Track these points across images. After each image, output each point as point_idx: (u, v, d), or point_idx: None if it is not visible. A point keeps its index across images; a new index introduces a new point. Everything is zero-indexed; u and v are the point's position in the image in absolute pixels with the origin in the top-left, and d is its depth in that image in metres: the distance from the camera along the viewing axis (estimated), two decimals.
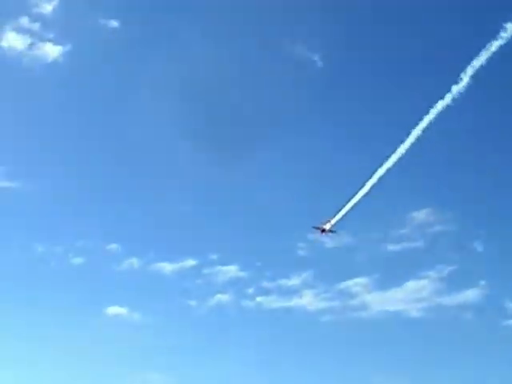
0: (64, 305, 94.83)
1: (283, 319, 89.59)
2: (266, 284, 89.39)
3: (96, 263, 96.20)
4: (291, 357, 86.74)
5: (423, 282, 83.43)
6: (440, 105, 50.92)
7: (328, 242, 77.22)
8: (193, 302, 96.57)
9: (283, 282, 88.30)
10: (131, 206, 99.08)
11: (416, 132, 52.70)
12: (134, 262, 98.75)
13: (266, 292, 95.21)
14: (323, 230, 55.56)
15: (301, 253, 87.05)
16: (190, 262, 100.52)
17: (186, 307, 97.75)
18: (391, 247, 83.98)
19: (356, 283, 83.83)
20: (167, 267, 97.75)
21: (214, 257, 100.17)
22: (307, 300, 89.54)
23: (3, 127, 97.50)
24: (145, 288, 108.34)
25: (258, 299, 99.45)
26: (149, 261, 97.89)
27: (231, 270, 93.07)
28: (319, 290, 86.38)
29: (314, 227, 56.72)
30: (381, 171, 53.09)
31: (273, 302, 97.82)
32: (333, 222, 54.67)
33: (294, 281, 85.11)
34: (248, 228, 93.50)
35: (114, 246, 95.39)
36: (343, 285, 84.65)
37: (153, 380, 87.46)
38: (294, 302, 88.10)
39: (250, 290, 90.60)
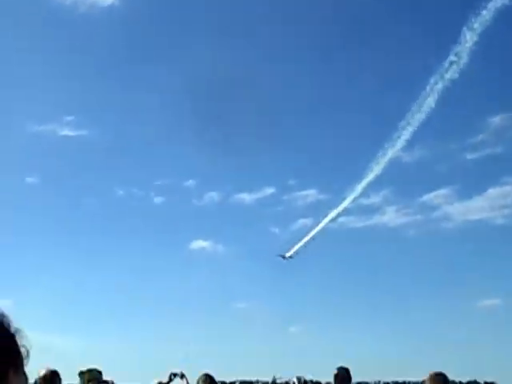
0: (149, 245, 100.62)
1: (366, 238, 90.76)
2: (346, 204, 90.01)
3: (177, 200, 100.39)
4: (377, 275, 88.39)
5: (506, 188, 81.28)
6: None
7: (405, 156, 76.58)
8: (276, 229, 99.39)
9: (363, 200, 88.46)
10: (205, 140, 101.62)
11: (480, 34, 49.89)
12: (214, 195, 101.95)
13: (347, 212, 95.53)
14: (284, 257, 62.90)
15: (378, 170, 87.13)
16: (269, 190, 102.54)
17: (270, 235, 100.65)
18: (469, 156, 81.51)
19: (437, 195, 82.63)
20: (247, 197, 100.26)
21: (292, 182, 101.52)
22: (389, 217, 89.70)
23: (67, 78, 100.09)
24: (227, 220, 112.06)
25: (340, 220, 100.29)
26: (228, 193, 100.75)
27: (310, 194, 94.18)
28: (400, 206, 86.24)
29: (278, 255, 63.81)
30: (449, 77, 51.48)
31: (354, 222, 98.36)
32: (292, 251, 61.24)
33: (373, 199, 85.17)
34: (323, 151, 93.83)
35: (192, 182, 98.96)
36: (424, 198, 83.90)
37: (241, 309, 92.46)
38: (376, 219, 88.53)
39: (332, 212, 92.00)
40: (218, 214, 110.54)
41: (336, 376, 6.39)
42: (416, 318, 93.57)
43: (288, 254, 60.61)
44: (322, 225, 60.17)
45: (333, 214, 60.72)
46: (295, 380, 6.87)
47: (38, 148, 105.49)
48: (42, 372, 5.06)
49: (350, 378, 6.38)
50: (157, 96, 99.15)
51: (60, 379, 5.38)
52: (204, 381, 7.02)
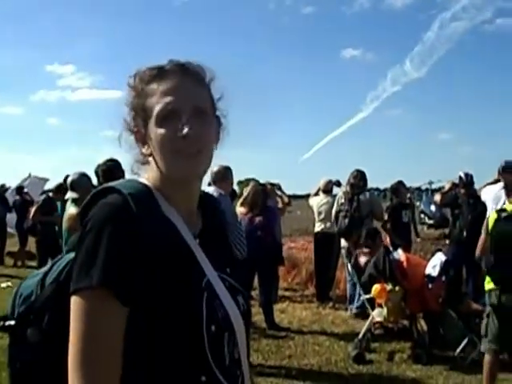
0: (300, 54, 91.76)
1: None
2: (503, 5, 77.53)
3: (326, 7, 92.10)
4: None
5: None
6: None
7: None
8: (429, 34, 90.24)
9: None
10: None
11: None
12: (363, 1, 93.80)
13: (505, 13, 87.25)
14: None
15: None
16: None
17: (421, 40, 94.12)
18: None
19: None
20: (398, 0, 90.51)
21: None
22: None
23: None
24: (377, 28, 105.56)
25: (498, 21, 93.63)
26: None
27: None
28: None
29: None
30: None
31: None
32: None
33: None
34: None
35: None
36: None
37: (394, 116, 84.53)
38: None
39: (488, 13, 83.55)
40: (368, 21, 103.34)
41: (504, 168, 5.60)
42: None
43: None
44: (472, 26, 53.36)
45: (488, 15, 54.46)
46: (462, 174, 6.62)
47: None
48: (215, 168, 5.06)
49: None
50: None
51: (232, 175, 5.41)
52: (355, 176, 7.10)
